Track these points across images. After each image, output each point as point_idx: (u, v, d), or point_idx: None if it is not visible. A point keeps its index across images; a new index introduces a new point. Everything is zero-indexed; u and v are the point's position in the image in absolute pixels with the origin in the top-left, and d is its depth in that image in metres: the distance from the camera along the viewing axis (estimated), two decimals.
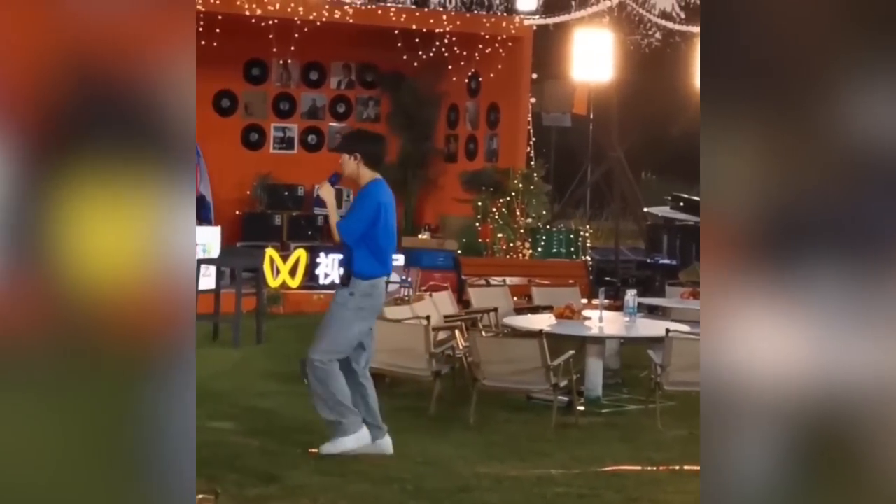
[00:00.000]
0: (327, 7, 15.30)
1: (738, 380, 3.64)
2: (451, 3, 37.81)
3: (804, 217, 3.62)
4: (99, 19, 3.63)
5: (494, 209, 15.86)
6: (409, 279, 12.67)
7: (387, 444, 7.46)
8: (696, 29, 16.06)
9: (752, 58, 3.65)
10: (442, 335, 9.39)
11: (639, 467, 7.34)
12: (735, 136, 3.69)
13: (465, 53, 16.37)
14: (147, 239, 3.67)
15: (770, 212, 3.63)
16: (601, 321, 9.72)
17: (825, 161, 3.59)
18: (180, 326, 3.73)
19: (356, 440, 7.26)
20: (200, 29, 14.33)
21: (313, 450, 7.40)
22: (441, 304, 10.58)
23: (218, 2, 14.55)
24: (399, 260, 14.80)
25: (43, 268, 3.59)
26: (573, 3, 22.75)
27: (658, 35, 35.98)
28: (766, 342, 3.62)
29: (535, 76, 17.43)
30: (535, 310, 10.96)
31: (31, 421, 3.59)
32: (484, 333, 9.41)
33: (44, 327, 3.58)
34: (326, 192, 7.47)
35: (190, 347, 3.79)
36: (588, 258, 16.27)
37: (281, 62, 16.99)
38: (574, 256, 15.93)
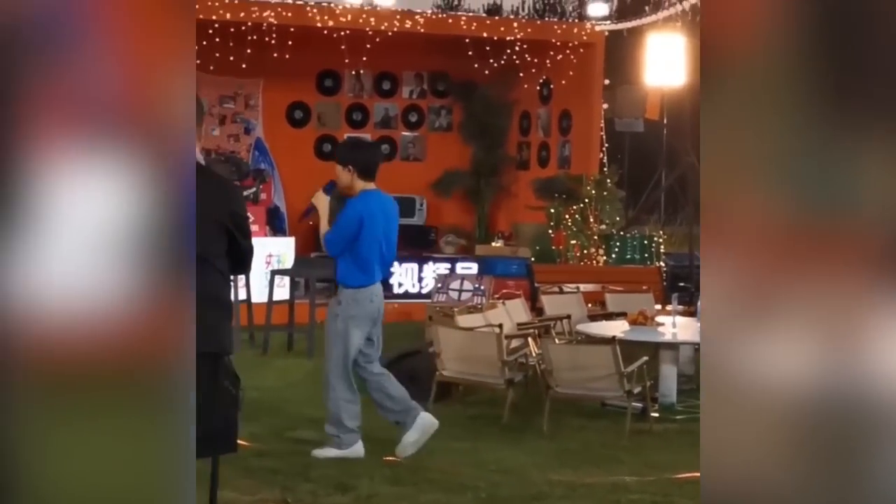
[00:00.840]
0: (398, 17, 15.38)
1: (863, 389, 3.48)
2: (523, 10, 37.81)
3: None
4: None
5: (567, 216, 15.81)
6: (482, 287, 12.66)
7: (428, 418, 7.59)
8: None
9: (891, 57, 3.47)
10: (515, 343, 9.39)
11: None
12: (866, 140, 3.50)
13: (536, 60, 16.35)
14: None
15: None
16: (675, 327, 9.66)
17: None
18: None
19: (341, 454, 7.46)
20: (273, 42, 14.52)
21: (388, 458, 7.45)
22: (514, 311, 10.58)
23: (290, 14, 14.69)
24: (472, 268, 14.83)
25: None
26: (646, 7, 22.61)
27: None
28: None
29: (607, 82, 17.35)
30: (609, 316, 10.92)
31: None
32: (557, 340, 9.41)
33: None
34: (319, 202, 7.54)
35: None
36: (662, 264, 16.15)
37: (353, 73, 17.07)
38: (648, 262, 15.82)
